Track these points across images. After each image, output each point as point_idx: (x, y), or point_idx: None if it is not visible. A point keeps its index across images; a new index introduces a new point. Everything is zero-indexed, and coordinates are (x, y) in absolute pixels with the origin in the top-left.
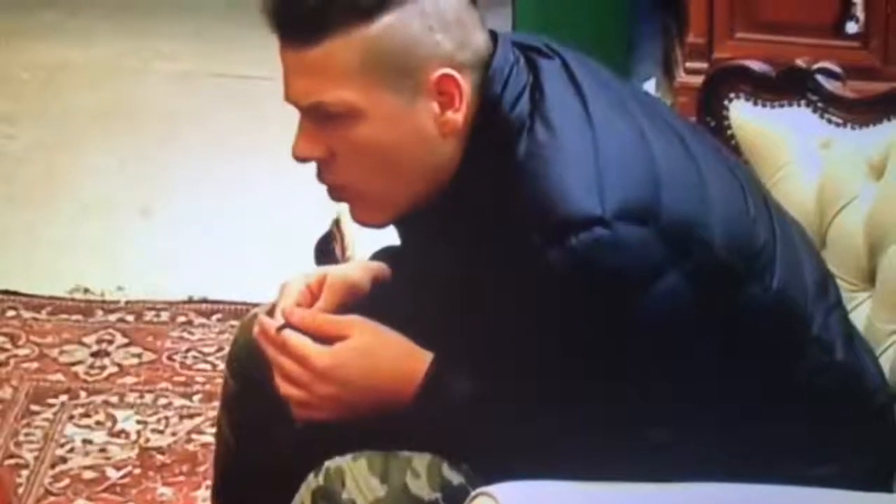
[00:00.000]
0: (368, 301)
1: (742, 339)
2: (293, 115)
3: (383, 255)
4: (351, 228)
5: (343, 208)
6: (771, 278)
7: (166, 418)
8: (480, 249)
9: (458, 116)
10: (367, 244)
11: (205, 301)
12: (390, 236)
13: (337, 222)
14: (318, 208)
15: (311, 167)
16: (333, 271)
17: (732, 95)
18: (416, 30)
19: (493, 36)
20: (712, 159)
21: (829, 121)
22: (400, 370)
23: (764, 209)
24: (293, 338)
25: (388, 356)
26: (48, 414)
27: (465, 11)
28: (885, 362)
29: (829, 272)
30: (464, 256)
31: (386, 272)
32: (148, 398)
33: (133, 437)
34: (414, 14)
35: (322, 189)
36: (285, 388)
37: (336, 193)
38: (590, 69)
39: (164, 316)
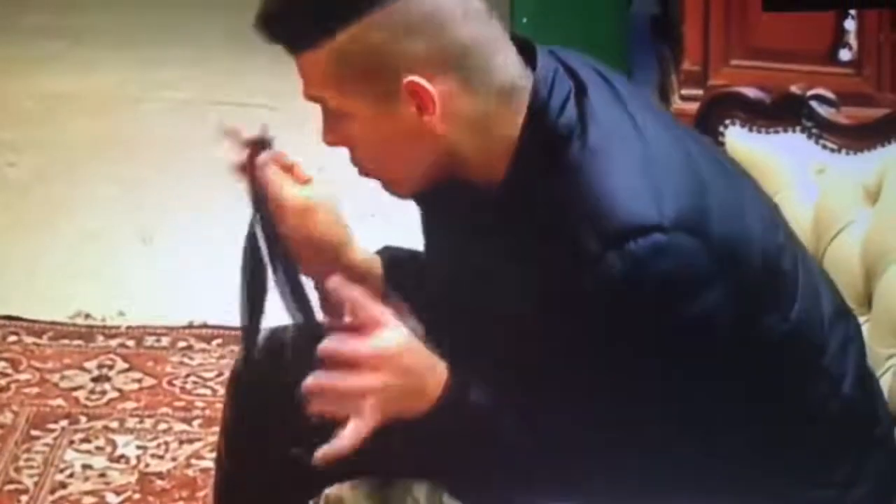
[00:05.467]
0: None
1: (753, 365)
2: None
3: (389, 259)
4: None
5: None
6: (790, 308)
7: (166, 443)
8: (529, 255)
9: (433, 119)
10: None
11: (205, 326)
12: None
13: None
14: None
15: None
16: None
17: (728, 122)
18: (379, 40)
19: (530, 45)
20: (745, 182)
21: (824, 147)
22: (422, 379)
23: (788, 238)
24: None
25: (417, 362)
26: (48, 439)
27: (444, 10)
28: (882, 386)
29: (846, 305)
30: (507, 259)
31: (378, 270)
32: (148, 423)
33: (133, 462)
34: (378, 24)
35: None
36: (331, 408)
37: (365, 174)
38: (621, 79)
39: (165, 341)
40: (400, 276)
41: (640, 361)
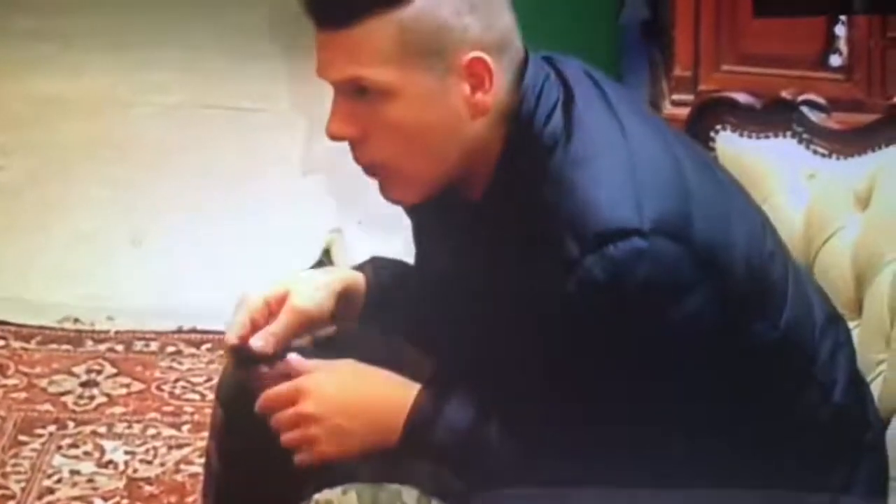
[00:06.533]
0: (361, 319)
1: (742, 373)
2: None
3: (377, 268)
4: (341, 257)
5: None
6: (779, 316)
7: (154, 448)
8: (510, 259)
9: (487, 98)
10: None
11: (194, 331)
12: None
13: (327, 252)
14: (307, 238)
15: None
16: (296, 291)
17: (719, 127)
18: (447, 13)
19: (524, 51)
20: (735, 189)
21: (815, 152)
22: (375, 408)
23: (779, 247)
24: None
25: (372, 387)
26: (36, 444)
27: None
28: (872, 390)
29: (837, 312)
30: (491, 267)
31: (359, 286)
32: (136, 428)
33: (121, 467)
34: None
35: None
36: (286, 436)
37: (370, 171)
38: (615, 85)
39: (154, 346)
40: (385, 289)
41: (624, 365)
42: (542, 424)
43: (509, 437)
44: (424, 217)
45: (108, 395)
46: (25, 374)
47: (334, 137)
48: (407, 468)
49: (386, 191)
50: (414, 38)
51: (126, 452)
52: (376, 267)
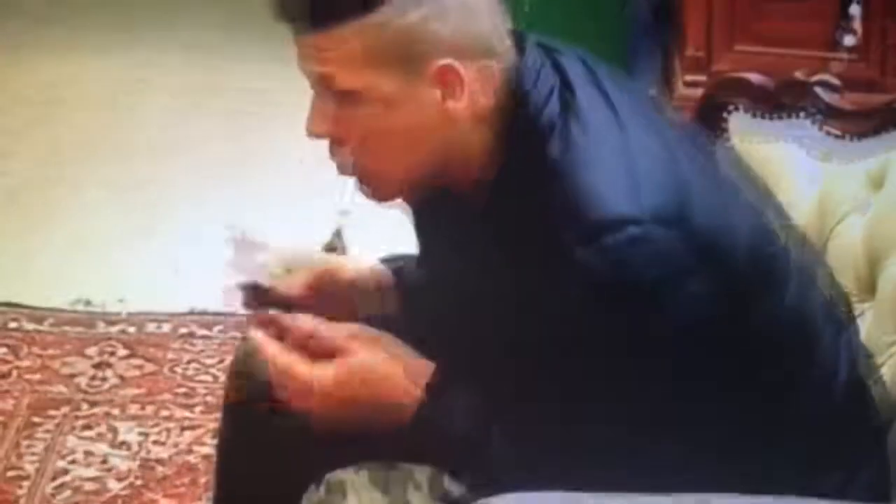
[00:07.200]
0: (374, 313)
1: (747, 355)
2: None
3: (388, 264)
4: (342, 255)
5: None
6: (783, 296)
7: (167, 430)
8: (512, 252)
9: (459, 105)
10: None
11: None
12: (390, 248)
13: (330, 249)
14: (307, 239)
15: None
16: (339, 266)
17: (731, 108)
18: (416, 20)
19: (520, 37)
20: (732, 176)
21: (828, 133)
22: (396, 395)
23: (786, 234)
24: (284, 359)
25: (385, 381)
26: (50, 426)
27: None
28: (885, 372)
29: (841, 291)
30: (493, 260)
31: (388, 279)
32: (149, 409)
33: (134, 448)
34: (413, 4)
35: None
36: (282, 394)
37: (346, 169)
38: (609, 71)
39: (166, 328)
40: (383, 288)
41: (624, 356)
42: (543, 425)
43: (510, 437)
44: (426, 214)
45: (120, 376)
46: (39, 356)
47: (313, 135)
48: (407, 470)
49: (363, 188)
50: (380, 44)
51: (139, 433)
52: (394, 267)
